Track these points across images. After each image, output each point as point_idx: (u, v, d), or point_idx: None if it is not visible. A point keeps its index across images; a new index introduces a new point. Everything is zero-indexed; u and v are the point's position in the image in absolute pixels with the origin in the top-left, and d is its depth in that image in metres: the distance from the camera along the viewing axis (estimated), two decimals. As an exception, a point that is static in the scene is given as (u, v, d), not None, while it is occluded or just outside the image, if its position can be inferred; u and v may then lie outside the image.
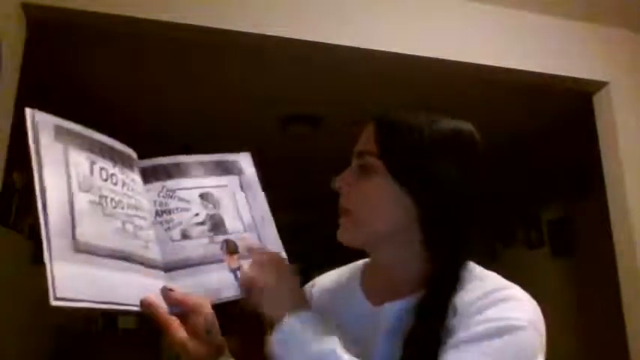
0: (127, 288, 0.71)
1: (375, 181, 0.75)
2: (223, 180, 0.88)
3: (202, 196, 0.85)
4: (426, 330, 0.68)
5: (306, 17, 1.85)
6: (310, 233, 4.41)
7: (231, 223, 0.85)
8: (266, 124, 3.27)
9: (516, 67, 2.03)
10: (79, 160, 0.73)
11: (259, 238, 0.85)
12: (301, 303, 0.74)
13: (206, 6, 1.74)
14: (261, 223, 0.87)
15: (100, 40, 2.28)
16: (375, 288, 0.81)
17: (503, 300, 0.69)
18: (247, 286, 0.75)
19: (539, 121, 3.07)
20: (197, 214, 0.83)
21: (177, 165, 0.86)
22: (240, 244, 0.82)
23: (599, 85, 2.16)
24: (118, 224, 0.74)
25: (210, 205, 0.85)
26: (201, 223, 0.83)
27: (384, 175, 0.74)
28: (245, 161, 0.92)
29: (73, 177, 0.71)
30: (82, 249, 0.68)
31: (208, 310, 0.73)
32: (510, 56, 2.03)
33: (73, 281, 0.65)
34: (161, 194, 0.83)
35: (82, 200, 0.71)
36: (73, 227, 0.68)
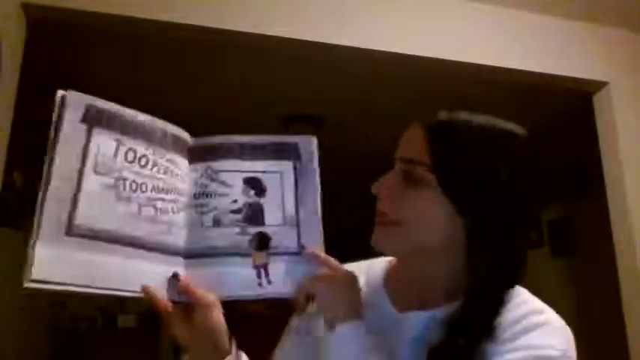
0: (126, 273, 0.70)
1: (425, 193, 0.71)
2: (276, 165, 0.81)
3: (247, 181, 0.79)
4: (455, 346, 0.66)
5: (306, 17, 1.84)
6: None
7: (270, 214, 0.78)
8: (266, 124, 3.27)
9: (516, 67, 2.03)
10: (104, 141, 0.72)
11: (298, 235, 0.78)
12: (357, 314, 0.72)
13: (206, 6, 1.74)
14: (305, 218, 0.79)
15: (100, 40, 2.28)
16: (402, 292, 0.78)
17: (539, 325, 0.68)
18: (306, 294, 0.74)
19: (539, 121, 3.07)
20: (235, 201, 0.78)
21: (229, 145, 0.81)
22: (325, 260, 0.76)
23: (599, 85, 2.15)
24: (134, 208, 0.72)
25: (252, 192, 0.79)
26: (237, 211, 0.78)
27: (435, 187, 0.71)
28: (306, 146, 0.83)
29: (90, 158, 0.70)
30: (76, 232, 0.67)
31: (215, 306, 0.72)
32: (510, 56, 2.03)
33: (56, 264, 0.64)
34: (204, 175, 0.79)
35: (93, 182, 0.70)
36: (73, 209, 0.67)
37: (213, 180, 0.79)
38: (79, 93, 0.72)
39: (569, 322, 0.72)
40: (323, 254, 0.76)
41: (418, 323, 0.73)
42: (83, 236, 0.68)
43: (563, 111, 2.84)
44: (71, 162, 0.69)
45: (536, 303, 0.73)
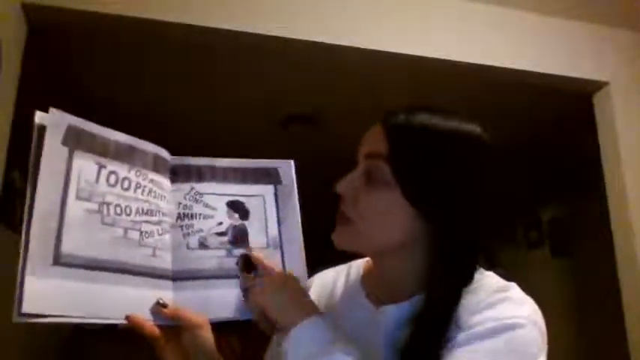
0: (113, 300, 0.69)
1: (385, 194, 0.72)
2: (258, 189, 0.84)
3: (230, 204, 0.81)
4: (423, 340, 0.66)
5: (306, 17, 1.85)
6: (310, 232, 4.40)
7: (255, 236, 0.81)
8: (266, 124, 3.27)
9: (516, 67, 2.03)
10: (86, 164, 0.70)
11: (282, 256, 0.81)
12: (310, 310, 0.70)
13: (207, 6, 1.74)
14: (287, 239, 0.83)
15: (100, 40, 2.28)
16: (376, 288, 0.79)
17: (502, 301, 0.68)
18: (259, 310, 0.71)
19: (540, 121, 3.07)
20: (220, 223, 0.80)
21: (211, 167, 0.82)
22: (256, 259, 0.77)
23: (599, 85, 2.15)
24: (119, 233, 0.71)
25: (236, 215, 0.81)
26: (223, 234, 0.80)
27: (395, 189, 0.71)
28: (286, 170, 0.87)
29: (72, 184, 0.68)
30: (62, 261, 0.66)
31: (204, 326, 0.72)
32: (510, 56, 2.03)
33: (43, 296, 0.63)
34: (187, 196, 0.79)
35: (76, 209, 0.68)
36: (58, 238, 0.66)
37: (197, 201, 0.80)
38: (61, 112, 0.69)
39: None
40: (257, 254, 0.78)
41: (391, 317, 0.73)
42: (70, 265, 0.66)
43: (563, 111, 2.84)
44: (54, 190, 0.67)
45: (500, 282, 0.73)
